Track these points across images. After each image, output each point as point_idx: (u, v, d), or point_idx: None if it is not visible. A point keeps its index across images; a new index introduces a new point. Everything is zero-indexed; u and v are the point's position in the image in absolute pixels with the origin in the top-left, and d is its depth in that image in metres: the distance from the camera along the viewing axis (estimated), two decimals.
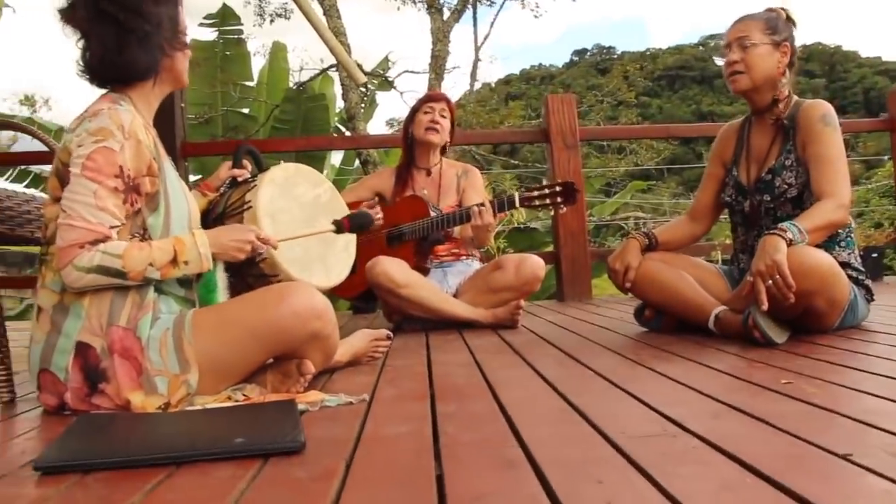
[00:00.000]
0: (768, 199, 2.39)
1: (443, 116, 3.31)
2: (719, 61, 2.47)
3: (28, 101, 22.10)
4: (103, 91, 1.71)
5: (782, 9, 2.46)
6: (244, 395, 1.60)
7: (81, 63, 1.69)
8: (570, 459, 1.05)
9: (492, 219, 2.89)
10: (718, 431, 1.14)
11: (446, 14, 10.36)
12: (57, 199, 1.60)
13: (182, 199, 1.72)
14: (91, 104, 1.67)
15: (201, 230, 1.67)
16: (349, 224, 2.01)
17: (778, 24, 2.39)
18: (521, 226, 4.86)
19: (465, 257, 3.31)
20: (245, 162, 2.24)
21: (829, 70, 55.93)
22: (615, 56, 69.54)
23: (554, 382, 1.67)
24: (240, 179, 2.19)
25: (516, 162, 10.78)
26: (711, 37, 69.98)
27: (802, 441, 1.07)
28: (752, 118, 2.53)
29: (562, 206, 2.86)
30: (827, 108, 2.33)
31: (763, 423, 1.19)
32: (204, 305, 1.72)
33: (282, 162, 2.27)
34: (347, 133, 9.68)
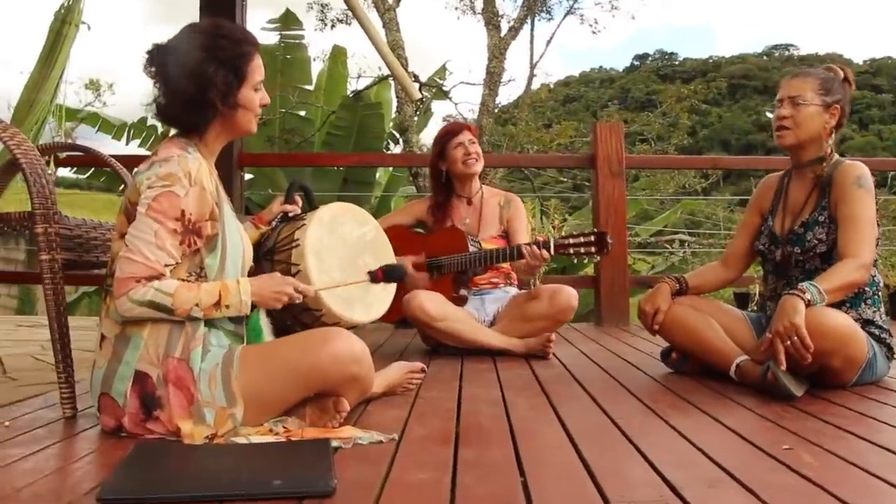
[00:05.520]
0: (798, 251, 2.46)
1: (471, 142, 3.39)
2: (769, 114, 2.54)
3: (93, 85, 22.84)
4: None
5: (842, 68, 2.52)
6: (284, 427, 1.75)
7: (154, 104, 1.87)
8: None
9: (547, 256, 2.98)
10: (709, 502, 1.25)
11: (504, 30, 10.44)
12: (123, 235, 1.78)
13: (238, 241, 1.88)
14: (161, 146, 1.84)
15: (246, 279, 1.82)
16: (383, 275, 2.14)
17: (833, 86, 2.46)
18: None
19: (502, 285, 3.42)
20: (296, 197, 2.40)
21: None
22: (677, 63, 68.80)
23: (572, 432, 1.78)
24: (291, 215, 2.34)
25: (565, 180, 10.86)
26: (775, 47, 68.70)
27: None
28: (792, 171, 2.61)
29: (595, 255, 2.96)
30: (863, 170, 2.40)
31: (752, 496, 1.29)
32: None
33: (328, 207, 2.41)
34: (401, 140, 9.87)
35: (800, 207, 2.51)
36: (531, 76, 11.46)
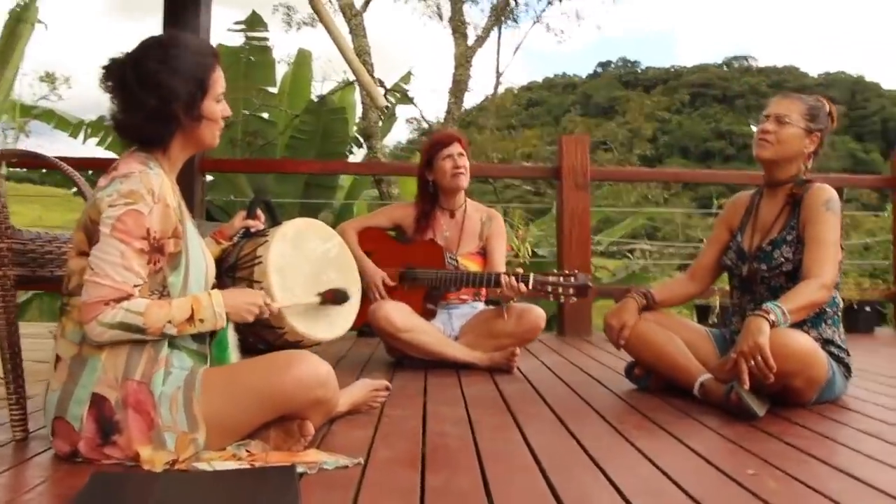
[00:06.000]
0: (765, 268, 2.49)
1: (460, 155, 3.37)
2: (754, 127, 2.58)
3: (48, 78, 22.22)
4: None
5: (828, 103, 2.58)
6: (248, 451, 1.71)
7: (111, 120, 1.83)
8: None
9: (524, 290, 2.95)
10: None
11: (471, 38, 10.43)
12: (81, 253, 1.72)
13: (200, 258, 1.84)
14: (120, 161, 1.78)
15: (217, 291, 1.79)
16: (331, 297, 2.21)
17: (819, 114, 2.51)
18: (527, 260, 4.99)
19: (471, 301, 3.41)
20: (259, 212, 2.35)
21: (850, 98, 55.79)
22: (639, 70, 69.76)
23: (539, 455, 1.78)
24: (253, 230, 2.30)
25: (529, 187, 10.96)
26: (735, 58, 70.02)
27: None
28: (763, 190, 2.64)
29: (572, 297, 2.94)
30: (832, 193, 2.45)
31: None
32: (216, 363, 1.83)
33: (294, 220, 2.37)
34: (365, 146, 9.82)
35: (769, 225, 2.55)
36: (497, 84, 11.53)
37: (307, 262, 2.27)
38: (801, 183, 2.50)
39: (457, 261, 3.29)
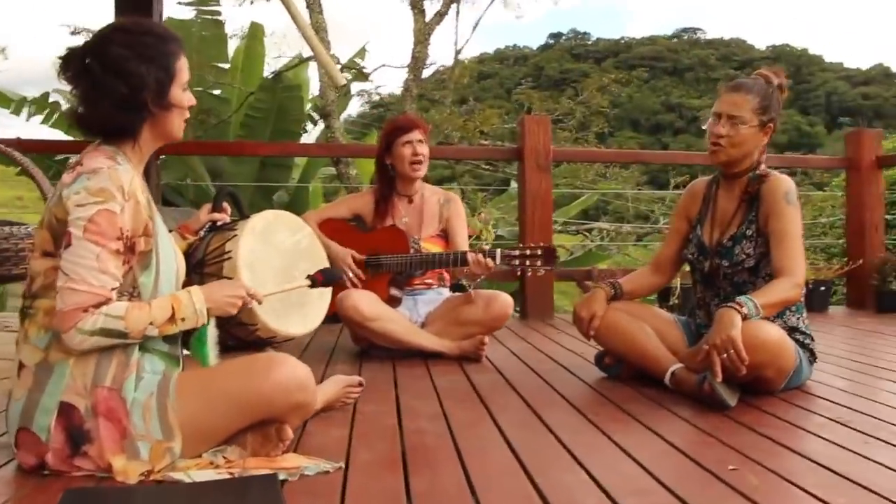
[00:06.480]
0: (727, 264, 2.51)
1: (420, 142, 3.33)
2: (705, 126, 2.55)
3: None
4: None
5: (775, 73, 2.54)
6: (225, 457, 1.67)
7: (71, 114, 1.74)
8: None
9: (492, 265, 2.96)
10: None
11: (429, 14, 10.29)
12: (45, 253, 1.65)
13: (171, 256, 1.77)
14: (84, 156, 1.70)
15: (196, 287, 1.73)
16: (322, 278, 2.09)
17: (771, 102, 2.47)
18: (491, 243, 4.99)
19: (436, 286, 3.39)
20: (225, 205, 2.28)
21: (795, 72, 56.81)
22: (589, 42, 69.95)
23: (519, 452, 1.78)
24: (219, 224, 2.23)
25: (487, 167, 10.96)
26: (684, 30, 70.76)
27: None
28: (719, 179, 2.65)
29: (540, 269, 2.96)
30: (789, 185, 2.46)
31: None
32: (195, 357, 1.78)
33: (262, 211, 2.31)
34: (322, 124, 9.67)
35: (728, 219, 2.55)
36: (456, 62, 11.38)
37: (277, 254, 2.22)
38: (755, 178, 2.50)
39: (419, 245, 3.27)
